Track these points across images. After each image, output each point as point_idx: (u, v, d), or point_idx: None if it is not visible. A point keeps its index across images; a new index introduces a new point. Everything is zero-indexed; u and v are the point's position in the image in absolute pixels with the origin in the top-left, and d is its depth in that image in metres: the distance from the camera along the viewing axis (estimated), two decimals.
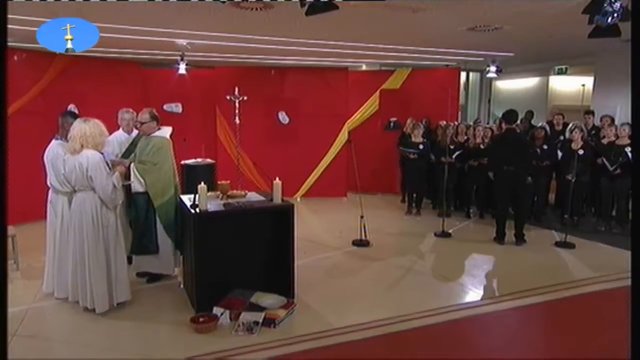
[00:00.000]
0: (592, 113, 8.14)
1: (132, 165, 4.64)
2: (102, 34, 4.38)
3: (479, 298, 4.77)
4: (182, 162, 7.56)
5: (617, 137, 6.85)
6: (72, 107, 7.15)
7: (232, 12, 4.85)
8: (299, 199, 9.19)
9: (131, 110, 5.46)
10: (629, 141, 6.52)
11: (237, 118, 8.05)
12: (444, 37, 6.69)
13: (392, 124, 9.62)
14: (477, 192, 8.01)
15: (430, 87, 9.43)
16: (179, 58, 7.83)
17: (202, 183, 4.22)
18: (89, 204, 4.05)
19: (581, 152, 6.72)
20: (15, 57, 7.04)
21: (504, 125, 6.70)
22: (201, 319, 3.94)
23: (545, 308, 4.49)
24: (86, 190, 4.06)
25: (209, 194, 4.45)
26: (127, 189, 4.71)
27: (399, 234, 7.21)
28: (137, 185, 4.63)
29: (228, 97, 7.98)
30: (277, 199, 4.44)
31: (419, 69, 9.71)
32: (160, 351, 3.62)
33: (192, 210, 4.13)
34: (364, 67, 10.39)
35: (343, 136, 9.27)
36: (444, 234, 6.83)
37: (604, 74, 8.86)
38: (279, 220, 4.44)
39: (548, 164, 7.35)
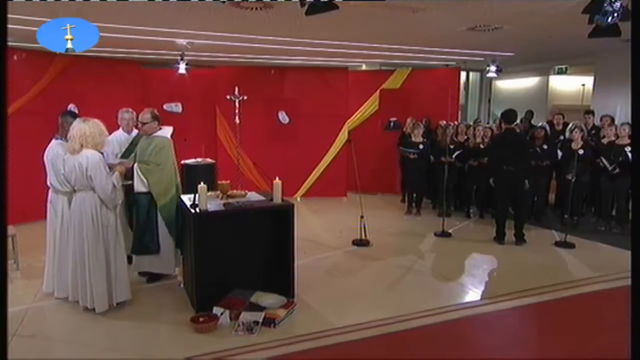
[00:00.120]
0: (592, 113, 8.14)
1: (135, 165, 4.64)
2: (102, 34, 4.38)
3: (478, 298, 4.77)
4: (182, 161, 7.57)
5: (617, 136, 6.86)
6: (72, 106, 7.15)
7: (232, 11, 4.85)
8: (299, 199, 9.19)
9: (131, 109, 5.46)
10: (628, 141, 6.52)
11: (237, 118, 8.05)
12: (444, 37, 6.69)
13: (392, 124, 9.62)
14: (477, 192, 8.00)
15: (430, 87, 9.43)
16: (178, 58, 7.83)
17: (202, 183, 4.22)
18: (89, 203, 4.05)
19: (581, 152, 6.72)
20: (15, 57, 7.04)
21: (503, 125, 6.70)
22: (201, 319, 3.94)
23: (545, 308, 4.49)
24: (86, 190, 4.06)
25: (209, 193, 4.45)
26: (127, 188, 4.72)
27: (399, 233, 7.21)
28: (139, 186, 4.63)
29: (228, 97, 7.98)
30: (277, 198, 4.44)
31: (419, 69, 9.72)
32: (160, 351, 3.62)
33: (192, 210, 4.13)
34: (364, 67, 10.39)
35: (343, 136, 9.27)
36: (444, 234, 6.83)
37: (604, 73, 8.86)
38: (279, 220, 4.44)
39: (548, 164, 7.35)
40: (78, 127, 4.03)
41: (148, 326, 4.01)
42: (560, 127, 8.13)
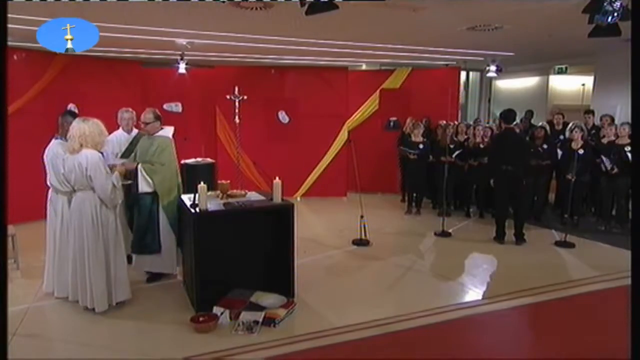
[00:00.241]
0: (592, 112, 8.14)
1: (139, 165, 4.64)
2: (102, 34, 4.38)
3: (478, 297, 4.77)
4: (182, 161, 7.56)
5: (617, 136, 6.86)
6: (71, 106, 7.15)
7: (232, 11, 4.85)
8: (299, 199, 9.19)
9: (131, 109, 5.47)
10: (628, 140, 6.52)
11: (237, 117, 8.05)
12: (444, 37, 6.69)
13: (392, 124, 9.63)
14: (477, 191, 8.01)
15: (430, 87, 9.44)
16: (178, 57, 7.83)
17: (202, 182, 4.22)
18: (89, 203, 4.06)
19: (581, 151, 6.73)
20: (15, 57, 7.04)
21: (503, 125, 6.71)
22: (201, 319, 3.94)
23: (545, 307, 4.49)
24: (85, 190, 4.07)
25: (209, 193, 4.45)
26: (127, 188, 4.72)
27: (399, 233, 7.21)
28: (144, 186, 4.64)
29: (228, 97, 7.98)
30: (277, 198, 4.44)
31: (419, 69, 9.71)
32: (160, 350, 3.62)
33: (192, 210, 4.14)
34: (363, 67, 10.39)
35: (343, 136, 9.27)
36: (444, 234, 6.83)
37: (604, 73, 8.85)
38: (279, 220, 4.44)
39: (548, 164, 7.36)
40: (78, 126, 4.03)
41: (148, 326, 4.01)
42: (560, 126, 8.13)
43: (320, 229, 7.29)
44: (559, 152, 7.31)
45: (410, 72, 9.70)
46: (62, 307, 4.34)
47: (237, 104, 8.00)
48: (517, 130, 7.27)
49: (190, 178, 7.13)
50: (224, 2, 4.00)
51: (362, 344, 3.74)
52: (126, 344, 3.72)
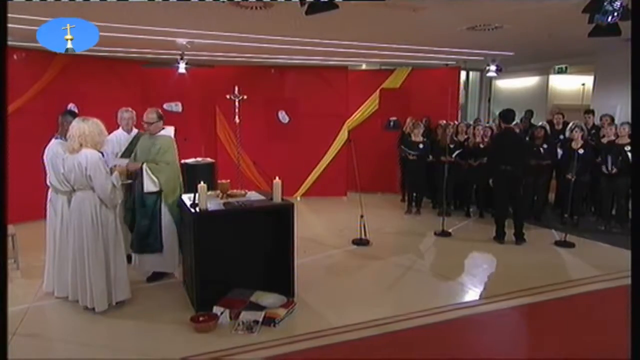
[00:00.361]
0: (592, 112, 8.14)
1: (144, 165, 4.64)
2: (101, 33, 4.38)
3: (478, 297, 4.76)
4: (182, 161, 7.55)
5: (617, 136, 6.86)
6: (71, 106, 7.15)
7: (232, 11, 4.85)
8: (299, 198, 9.19)
9: (130, 109, 5.47)
10: (628, 140, 6.52)
11: (237, 117, 8.05)
12: (444, 37, 6.69)
13: (392, 123, 9.62)
14: (477, 191, 8.01)
15: (430, 87, 9.43)
16: (178, 57, 7.83)
17: (202, 182, 4.22)
18: (88, 203, 4.06)
19: (581, 151, 6.73)
20: (15, 56, 7.04)
21: (502, 125, 6.71)
22: (201, 318, 3.94)
23: (544, 307, 4.49)
24: (85, 190, 4.07)
25: (209, 193, 4.45)
26: (128, 188, 4.72)
27: (399, 233, 7.21)
28: (150, 185, 4.64)
29: (228, 96, 7.97)
30: (277, 198, 4.44)
31: (419, 68, 9.71)
32: (160, 350, 3.61)
33: (192, 210, 4.14)
34: (363, 66, 10.39)
35: (343, 135, 9.27)
36: (444, 233, 6.83)
37: (604, 73, 8.85)
38: (279, 220, 4.44)
39: (549, 163, 7.36)
40: (77, 126, 4.03)
41: (148, 325, 4.01)
42: (560, 126, 8.13)
43: (320, 229, 7.29)
44: (559, 151, 7.32)
45: (410, 71, 9.70)
46: (62, 306, 4.34)
47: (237, 103, 8.00)
48: (517, 130, 7.27)
49: (190, 178, 7.13)
50: (224, 1, 4.00)
51: (362, 343, 3.74)
52: (126, 344, 3.72)
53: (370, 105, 9.81)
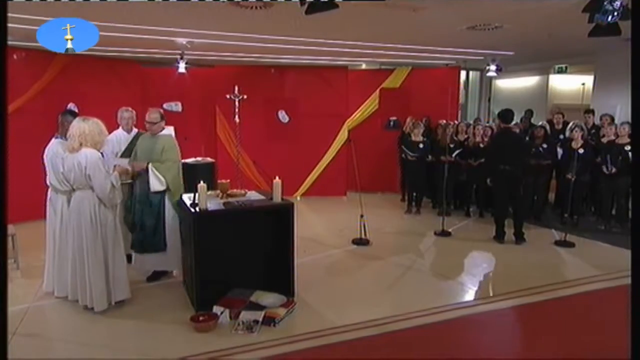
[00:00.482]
0: (592, 112, 8.14)
1: (149, 165, 4.63)
2: (102, 33, 4.38)
3: (478, 297, 4.76)
4: (182, 160, 7.55)
5: (617, 136, 6.86)
6: (71, 105, 7.15)
7: (232, 10, 4.85)
8: (298, 198, 9.19)
9: (130, 108, 5.46)
10: (628, 140, 6.52)
11: (236, 117, 8.05)
12: (444, 36, 6.69)
13: (392, 123, 9.62)
14: (477, 191, 8.01)
15: (430, 86, 9.43)
16: (178, 57, 7.83)
17: (202, 182, 4.22)
18: (87, 202, 4.05)
19: (581, 151, 6.73)
20: (15, 56, 7.03)
21: (501, 125, 6.71)
22: (201, 318, 3.94)
23: (545, 307, 4.49)
24: (84, 189, 4.06)
25: (209, 193, 4.45)
26: (129, 188, 4.72)
27: (399, 232, 7.21)
28: (156, 184, 4.63)
29: (228, 96, 7.98)
30: (277, 197, 4.44)
31: (419, 68, 9.72)
32: (160, 350, 3.61)
33: (192, 209, 4.14)
34: (363, 66, 10.39)
35: (343, 135, 9.27)
36: (444, 233, 6.83)
37: (604, 72, 8.86)
38: (279, 219, 4.44)
39: (549, 163, 7.36)
40: (78, 125, 4.03)
41: (148, 325, 4.01)
42: (560, 126, 8.13)
43: (320, 229, 7.30)
44: (559, 151, 7.32)
45: (410, 71, 9.70)
46: (62, 306, 4.34)
47: (237, 103, 8.00)
48: (517, 130, 7.27)
49: (190, 177, 7.12)
50: (223, 1, 4.00)
51: (362, 343, 3.74)
52: (126, 344, 3.72)
53: (370, 105, 9.81)
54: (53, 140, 4.55)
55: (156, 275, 4.95)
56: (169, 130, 4.91)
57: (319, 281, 5.03)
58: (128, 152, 5.07)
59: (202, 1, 4.37)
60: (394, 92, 9.70)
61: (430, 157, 7.87)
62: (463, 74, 11.20)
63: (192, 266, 4.19)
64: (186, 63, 8.03)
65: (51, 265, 4.50)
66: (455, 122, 8.53)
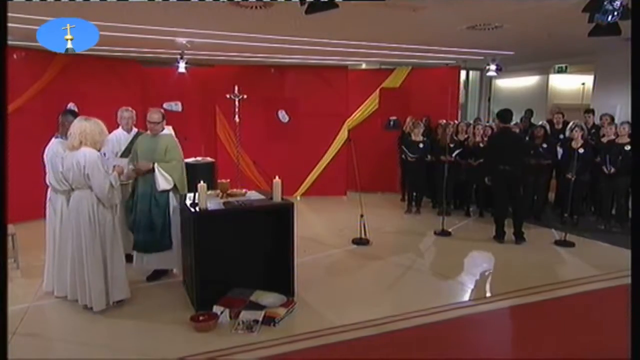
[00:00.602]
0: (592, 112, 8.14)
1: (155, 165, 4.64)
2: (101, 33, 4.38)
3: (478, 296, 4.76)
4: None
5: (617, 135, 6.86)
6: (72, 105, 7.14)
7: (232, 10, 4.85)
8: (298, 198, 9.19)
9: (130, 108, 5.46)
10: (628, 140, 6.53)
11: (236, 116, 8.04)
12: (444, 36, 6.69)
13: (392, 123, 9.62)
14: (476, 190, 8.01)
15: (430, 86, 9.42)
16: (178, 56, 7.83)
17: (202, 182, 4.22)
18: (86, 202, 4.05)
19: (581, 150, 6.73)
20: (15, 56, 7.04)
21: (500, 125, 6.72)
22: (201, 318, 3.94)
23: (544, 306, 4.49)
24: (83, 189, 4.06)
25: (209, 192, 4.46)
26: (132, 189, 4.71)
27: (399, 232, 7.22)
28: (163, 184, 4.64)
29: (228, 96, 7.97)
30: (277, 197, 4.44)
31: (419, 68, 9.72)
32: (160, 350, 3.61)
33: (192, 209, 4.14)
34: (363, 66, 10.38)
35: (343, 135, 9.27)
36: (444, 233, 6.83)
37: (604, 72, 8.86)
38: (279, 219, 4.44)
39: (549, 163, 7.36)
40: (79, 124, 4.04)
41: (147, 325, 4.01)
42: (560, 126, 8.13)
43: (320, 228, 7.30)
44: (559, 151, 7.31)
45: (410, 71, 9.70)
46: (61, 306, 4.34)
47: (237, 103, 7.99)
48: (517, 130, 7.26)
49: (190, 177, 7.13)
50: (224, 1, 4.00)
51: (362, 343, 3.74)
52: (125, 343, 3.73)
53: (370, 104, 9.81)
54: (53, 140, 4.55)
55: (156, 275, 4.95)
56: (168, 130, 4.90)
57: (318, 281, 5.03)
58: (128, 152, 5.08)
59: (202, 1, 4.37)
60: (394, 92, 9.70)
61: (430, 156, 7.87)
62: (463, 73, 11.19)
63: (192, 266, 4.20)
64: (186, 63, 8.03)
65: (51, 265, 4.51)
66: (455, 121, 8.53)
